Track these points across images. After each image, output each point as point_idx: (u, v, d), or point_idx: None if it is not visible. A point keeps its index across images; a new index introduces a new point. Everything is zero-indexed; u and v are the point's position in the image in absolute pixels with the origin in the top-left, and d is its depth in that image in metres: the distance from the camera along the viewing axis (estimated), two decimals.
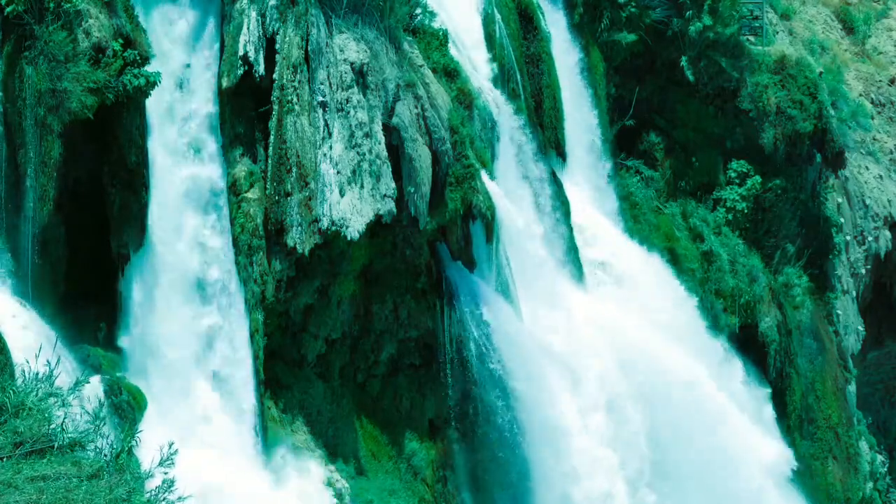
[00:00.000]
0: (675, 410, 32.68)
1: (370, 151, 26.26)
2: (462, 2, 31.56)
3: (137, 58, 23.02)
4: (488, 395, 28.90)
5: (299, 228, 25.80)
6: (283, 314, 26.77)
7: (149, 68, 23.27)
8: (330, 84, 26.10)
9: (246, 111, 26.30)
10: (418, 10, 28.76)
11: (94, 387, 22.12)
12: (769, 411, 37.13)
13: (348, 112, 26.19)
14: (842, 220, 41.52)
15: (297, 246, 25.80)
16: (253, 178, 26.05)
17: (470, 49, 31.19)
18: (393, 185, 26.44)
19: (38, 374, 13.26)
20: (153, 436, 14.23)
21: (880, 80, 46.66)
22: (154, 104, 24.10)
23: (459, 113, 28.70)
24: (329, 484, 26.58)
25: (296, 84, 25.92)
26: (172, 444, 11.93)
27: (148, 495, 11.69)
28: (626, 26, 36.57)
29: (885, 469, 43.39)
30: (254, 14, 25.75)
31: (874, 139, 45.04)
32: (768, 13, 41.95)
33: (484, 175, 29.10)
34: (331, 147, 25.99)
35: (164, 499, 11.39)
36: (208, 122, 25.62)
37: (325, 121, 26.06)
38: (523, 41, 33.28)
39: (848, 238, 42.06)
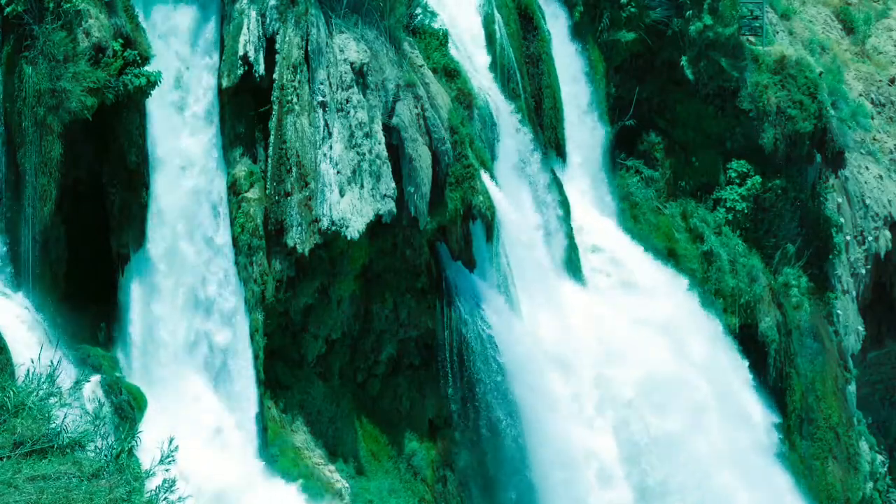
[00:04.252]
0: (675, 409, 32.67)
1: (370, 151, 26.25)
2: (462, 2, 31.55)
3: (137, 58, 23.00)
4: (488, 394, 28.89)
5: (299, 228, 25.79)
6: (283, 314, 26.76)
7: (149, 68, 23.25)
8: (330, 84, 26.10)
9: (246, 111, 26.29)
10: (418, 11, 28.75)
11: (94, 387, 22.11)
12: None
13: (348, 112, 26.19)
14: (842, 220, 41.53)
15: (297, 246, 25.80)
16: (253, 178, 26.05)
17: (470, 49, 31.19)
18: (393, 185, 26.43)
19: (38, 374, 13.24)
20: (152, 436, 14.21)
21: (880, 80, 46.68)
22: (154, 104, 24.09)
23: (459, 113, 28.69)
24: (329, 484, 26.57)
25: (296, 84, 25.91)
26: (173, 439, 11.90)
27: (148, 495, 11.67)
28: (626, 26, 36.58)
29: (885, 469, 43.39)
30: (254, 14, 25.74)
31: (874, 139, 45.06)
32: (768, 13, 41.94)
33: (484, 175, 29.10)
34: (331, 147, 25.98)
35: (165, 499, 11.37)
36: (208, 122, 25.62)
37: (325, 121, 26.06)
38: (523, 41, 33.28)
39: (848, 238, 42.07)
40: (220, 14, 25.77)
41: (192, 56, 25.45)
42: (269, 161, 25.93)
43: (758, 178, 38.61)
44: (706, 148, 38.99)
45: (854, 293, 42.45)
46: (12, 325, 21.44)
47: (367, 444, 28.12)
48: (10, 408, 12.59)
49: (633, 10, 36.47)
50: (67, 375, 17.90)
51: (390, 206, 26.38)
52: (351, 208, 25.91)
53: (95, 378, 22.27)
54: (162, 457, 11.57)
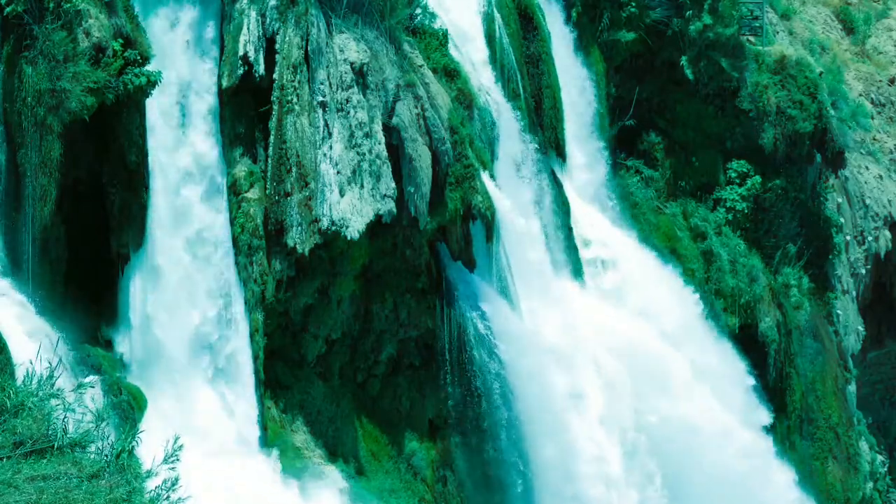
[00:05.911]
0: (674, 409, 32.68)
1: (370, 151, 26.25)
2: (462, 2, 31.55)
3: (138, 57, 22.99)
4: (488, 394, 28.89)
5: (299, 228, 25.79)
6: (283, 314, 26.76)
7: (149, 68, 23.23)
8: (330, 84, 26.10)
9: (246, 111, 26.29)
10: (418, 11, 28.75)
11: (94, 387, 22.10)
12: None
13: (348, 112, 26.19)
14: (842, 220, 41.54)
15: (297, 246, 25.79)
16: (253, 178, 26.05)
17: (470, 49, 31.18)
18: (393, 185, 26.44)
19: (38, 374, 13.23)
20: (153, 436, 14.20)
21: (880, 80, 46.69)
22: (154, 104, 24.08)
23: (459, 113, 28.69)
24: (329, 484, 26.56)
25: (296, 84, 25.91)
26: (178, 439, 11.89)
27: (150, 494, 11.67)
28: (626, 26, 36.57)
29: (885, 469, 43.40)
30: (254, 14, 25.74)
31: (874, 139, 45.07)
32: (768, 13, 41.95)
33: (484, 175, 29.10)
34: (331, 147, 25.99)
35: (167, 498, 11.37)
36: (208, 122, 25.61)
37: (325, 121, 26.06)
38: (523, 41, 33.27)
39: (848, 238, 42.08)
40: (220, 14, 25.77)
41: (192, 56, 25.44)
42: (269, 161, 25.93)
43: (758, 178, 38.61)
44: (706, 148, 38.98)
45: (854, 293, 42.46)
46: (12, 325, 21.42)
47: (367, 444, 28.12)
48: (10, 408, 12.58)
49: (633, 9, 36.46)
50: (67, 375, 17.91)
51: (390, 206, 26.38)
52: (351, 208, 25.91)
53: (95, 378, 22.26)
54: (166, 456, 11.56)
